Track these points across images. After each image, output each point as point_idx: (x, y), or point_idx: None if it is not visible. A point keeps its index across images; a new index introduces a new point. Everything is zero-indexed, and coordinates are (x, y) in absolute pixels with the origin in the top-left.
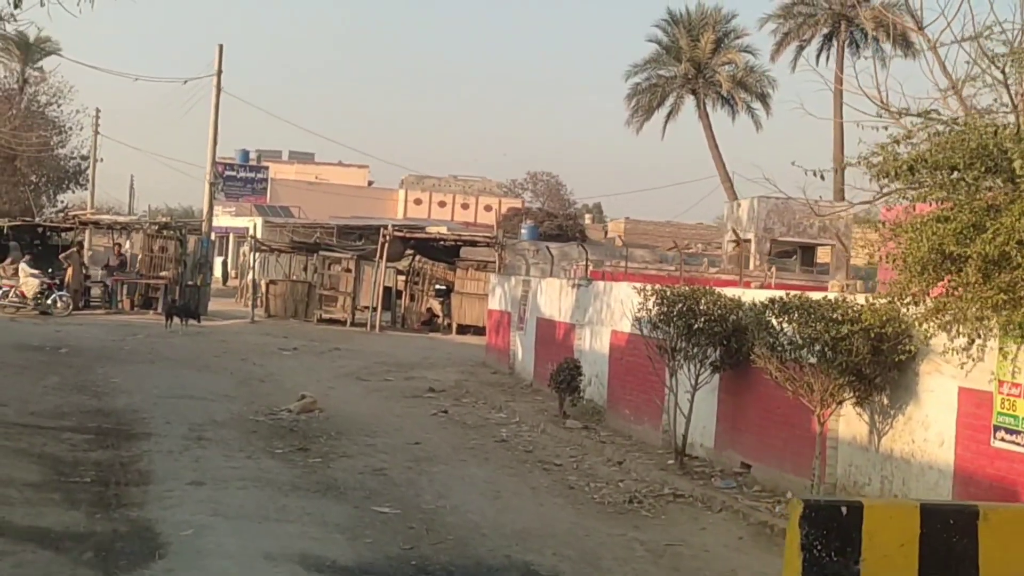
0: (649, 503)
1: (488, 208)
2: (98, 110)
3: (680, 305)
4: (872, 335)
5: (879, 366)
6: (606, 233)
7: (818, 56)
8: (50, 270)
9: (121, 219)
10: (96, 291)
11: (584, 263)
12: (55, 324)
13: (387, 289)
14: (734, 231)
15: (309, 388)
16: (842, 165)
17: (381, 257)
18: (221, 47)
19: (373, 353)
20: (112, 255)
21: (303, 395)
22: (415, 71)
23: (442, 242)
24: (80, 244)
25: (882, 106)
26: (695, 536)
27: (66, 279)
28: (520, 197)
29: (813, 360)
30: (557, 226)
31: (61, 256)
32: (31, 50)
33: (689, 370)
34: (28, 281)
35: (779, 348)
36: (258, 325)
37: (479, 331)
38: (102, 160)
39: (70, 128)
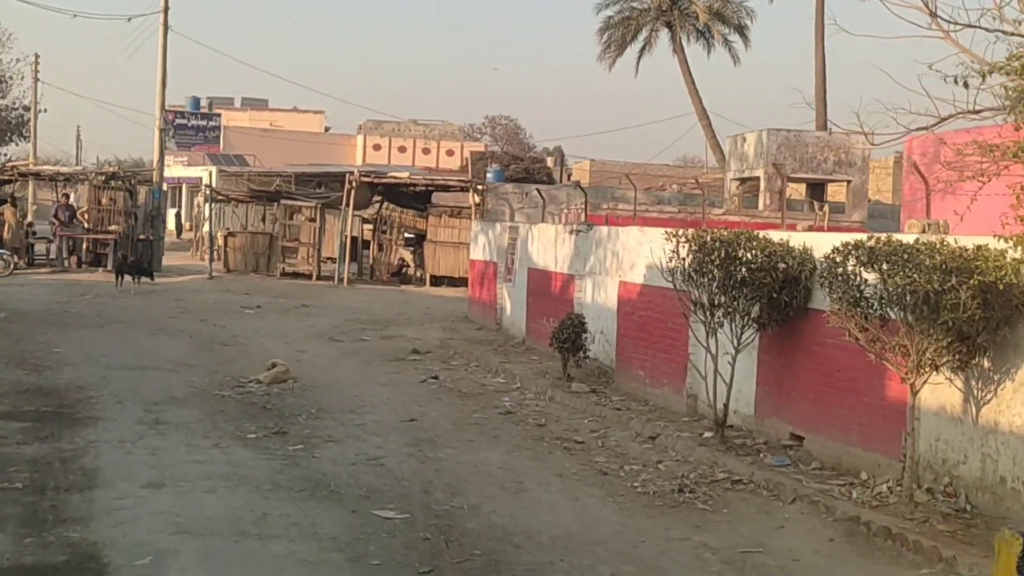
0: (703, 492)
1: (450, 153)
2: (37, 55)
3: (721, 252)
4: (982, 287)
5: (987, 323)
6: (569, 176)
7: None
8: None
9: (64, 170)
10: (41, 248)
11: (582, 206)
12: None
13: (353, 239)
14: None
15: (278, 352)
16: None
17: (347, 205)
18: None
19: (343, 309)
20: (60, 207)
21: (273, 362)
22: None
23: (412, 187)
24: (13, 197)
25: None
26: (773, 538)
27: (2, 235)
28: (482, 141)
29: (910, 317)
30: (524, 169)
31: None
32: None
33: (731, 328)
34: None
35: (862, 303)
36: (217, 281)
37: (455, 282)
38: (45, 111)
39: (10, 78)
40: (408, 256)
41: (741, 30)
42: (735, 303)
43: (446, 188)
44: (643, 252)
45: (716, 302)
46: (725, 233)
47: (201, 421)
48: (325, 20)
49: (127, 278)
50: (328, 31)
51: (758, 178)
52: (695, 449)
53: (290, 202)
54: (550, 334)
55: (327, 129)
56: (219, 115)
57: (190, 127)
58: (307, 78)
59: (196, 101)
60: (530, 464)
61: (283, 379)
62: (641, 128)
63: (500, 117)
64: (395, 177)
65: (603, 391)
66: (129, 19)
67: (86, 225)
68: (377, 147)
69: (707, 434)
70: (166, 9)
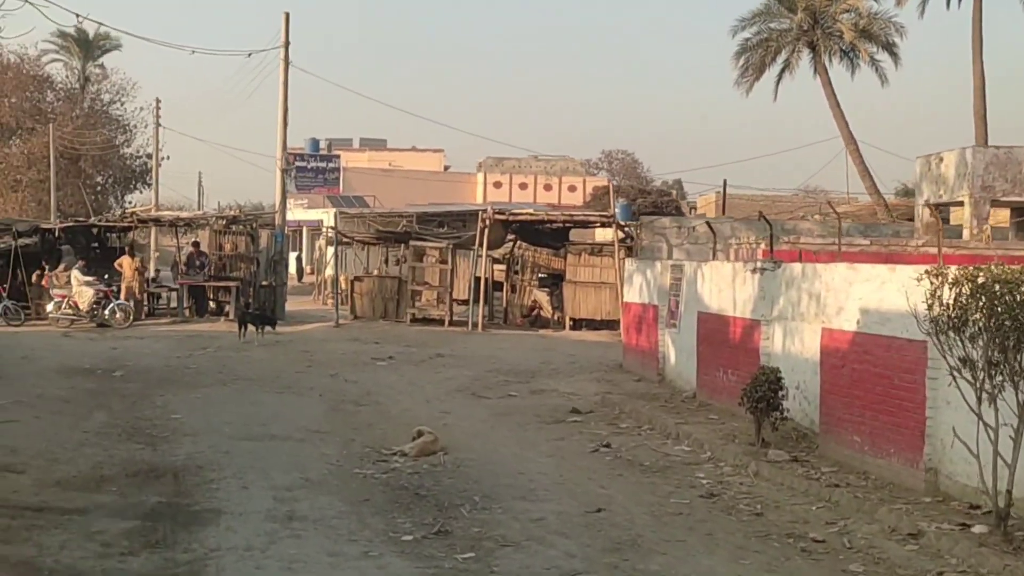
0: None
1: (572, 188)
2: (158, 100)
3: (1006, 296)
4: None
5: None
6: (693, 210)
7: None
8: (107, 276)
9: (185, 215)
10: (163, 296)
11: (755, 242)
12: (112, 339)
13: (483, 281)
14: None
15: (419, 413)
16: None
17: (480, 244)
18: (288, 15)
19: (481, 358)
20: (192, 255)
21: (419, 430)
22: (486, 49)
23: (549, 225)
24: (132, 247)
25: None
26: None
27: (123, 287)
28: (598, 176)
29: None
30: (651, 204)
31: (116, 264)
32: (91, 47)
33: (1017, 393)
34: (82, 290)
35: None
36: (344, 329)
37: (596, 326)
38: (168, 158)
39: (134, 126)
40: (543, 298)
41: (889, 48)
42: (1021, 360)
43: (585, 224)
44: (855, 294)
45: (993, 359)
46: (1013, 269)
47: (344, 515)
48: (439, 54)
49: (250, 328)
50: (446, 65)
51: (962, 202)
52: (974, 552)
53: (419, 243)
54: (730, 388)
55: (447, 168)
56: (338, 156)
57: (309, 169)
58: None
59: (315, 143)
60: None
61: (432, 451)
62: (767, 158)
63: (617, 151)
64: (531, 214)
65: (806, 460)
66: (249, 54)
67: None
68: (498, 184)
69: (977, 527)
70: (287, 44)
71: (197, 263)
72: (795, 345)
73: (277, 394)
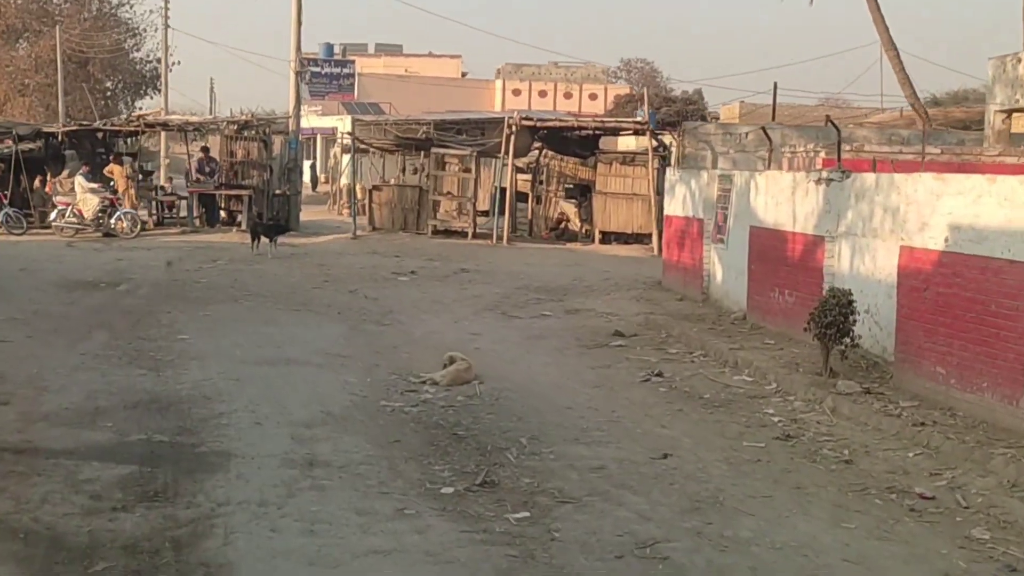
0: None
1: (593, 96)
2: (167, 1)
3: None
4: None
5: None
6: (716, 119)
7: None
8: (111, 183)
9: (194, 119)
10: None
11: (811, 150)
12: (118, 249)
13: (503, 191)
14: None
15: (446, 335)
16: None
17: (507, 152)
18: None
19: (509, 274)
20: (203, 160)
21: (450, 356)
22: None
23: (578, 132)
24: (121, 154)
25: None
26: None
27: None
28: (625, 84)
29: None
30: (675, 112)
31: (107, 171)
32: None
33: None
34: (86, 198)
35: None
36: (362, 241)
37: (626, 239)
38: (178, 63)
39: (144, 30)
40: (570, 210)
41: None
42: None
43: (617, 131)
44: (943, 208)
45: None
46: None
47: (372, 460)
48: None
49: (263, 240)
50: None
51: None
52: None
53: (442, 150)
54: (787, 310)
55: (464, 74)
56: (353, 62)
57: (323, 75)
58: (443, 19)
59: (329, 48)
60: (882, 548)
61: (465, 379)
62: (788, 68)
63: (636, 60)
64: (560, 120)
65: (881, 393)
66: None
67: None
68: (517, 92)
69: None
70: None
71: (207, 169)
72: (866, 264)
73: (292, 312)
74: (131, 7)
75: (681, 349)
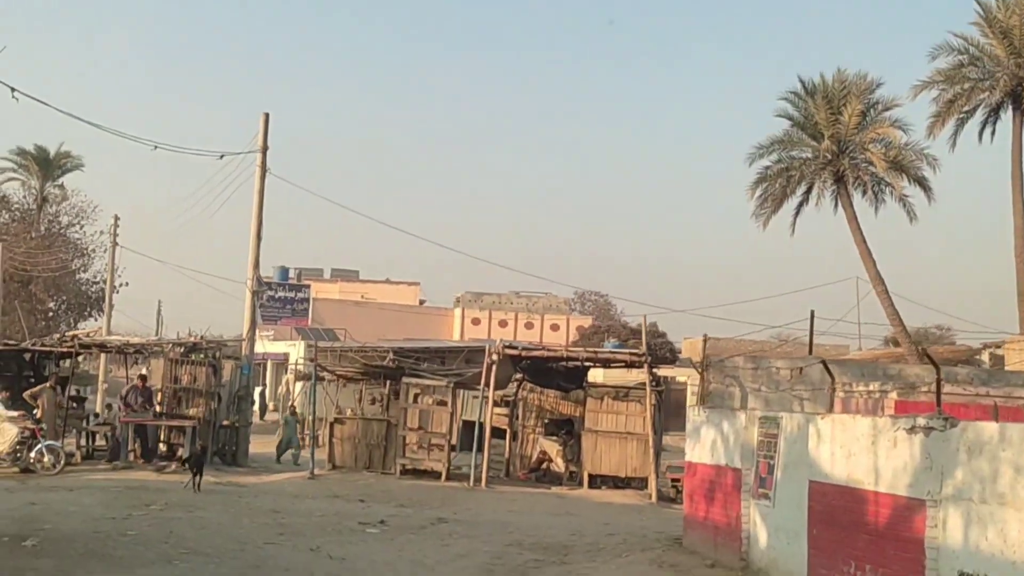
0: None
1: (555, 327)
2: (116, 217)
3: None
4: None
5: None
6: (676, 354)
7: (981, 133)
8: (35, 412)
9: (135, 340)
10: (102, 437)
11: (894, 388)
12: (35, 489)
13: (479, 427)
14: None
15: None
16: None
17: (487, 384)
18: (267, 116)
19: (494, 525)
20: (133, 390)
21: None
22: (463, 179)
23: (564, 363)
24: (56, 375)
25: None
26: None
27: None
28: (581, 315)
29: None
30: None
31: (26, 395)
32: (51, 166)
33: None
34: (3, 428)
35: None
36: (321, 481)
37: (618, 483)
38: (126, 284)
39: (92, 250)
40: (552, 448)
41: (921, 182)
42: None
43: (609, 363)
44: None
45: None
46: None
47: None
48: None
49: (199, 477)
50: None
51: None
52: None
53: (414, 380)
54: None
55: (422, 302)
56: (308, 286)
57: (277, 299)
58: (400, 248)
59: (284, 271)
60: None
61: None
62: (740, 305)
63: (590, 292)
64: (549, 350)
65: None
66: (221, 156)
67: (157, 409)
68: (476, 321)
69: None
70: (264, 148)
71: (141, 399)
72: (989, 539)
73: None
74: (81, 228)
75: None
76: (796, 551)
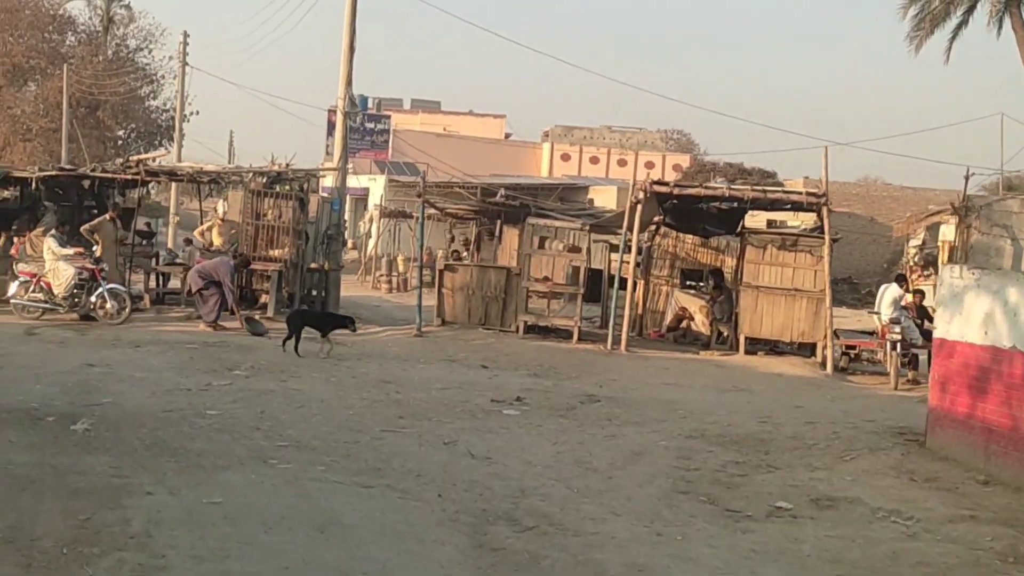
0: None
1: (650, 165)
2: (185, 33)
3: None
4: None
5: None
6: None
7: None
8: (94, 249)
9: (210, 167)
10: (177, 281)
11: None
12: (93, 344)
13: (596, 274)
14: None
15: (649, 563)
16: None
17: (630, 227)
18: None
19: (657, 404)
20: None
21: None
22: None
23: (718, 204)
24: (118, 207)
25: None
26: None
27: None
28: (691, 153)
29: None
30: (751, 186)
31: (83, 229)
32: None
33: None
34: (57, 267)
35: None
36: (431, 340)
37: (777, 348)
38: (196, 113)
39: (162, 76)
40: (692, 304)
41: None
42: None
43: (782, 204)
44: None
45: None
46: None
47: None
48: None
49: (301, 336)
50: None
51: None
52: None
53: (544, 220)
54: None
55: (508, 135)
56: (388, 117)
57: (356, 129)
58: (486, 81)
59: (364, 101)
60: None
61: None
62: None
63: (672, 131)
64: (708, 187)
65: None
66: None
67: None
68: (566, 156)
69: None
70: None
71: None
72: None
73: (362, 489)
74: (150, 52)
75: None
76: None
